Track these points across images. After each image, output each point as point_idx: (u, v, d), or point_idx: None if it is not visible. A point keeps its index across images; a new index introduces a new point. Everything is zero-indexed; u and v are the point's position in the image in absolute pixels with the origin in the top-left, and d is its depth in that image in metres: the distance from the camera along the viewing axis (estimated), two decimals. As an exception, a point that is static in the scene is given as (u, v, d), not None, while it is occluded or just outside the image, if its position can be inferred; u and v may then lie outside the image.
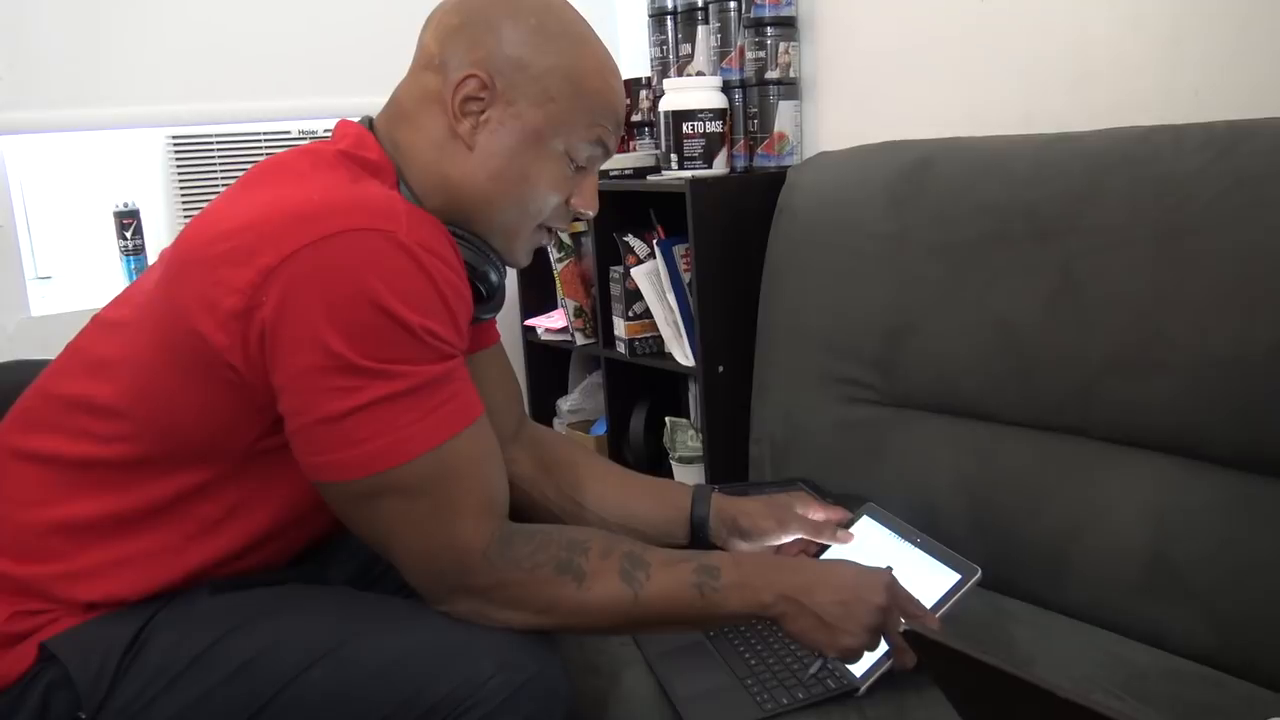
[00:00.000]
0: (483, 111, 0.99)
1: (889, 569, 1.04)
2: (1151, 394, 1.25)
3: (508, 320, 2.33)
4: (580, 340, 2.19)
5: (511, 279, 1.19)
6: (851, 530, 1.30)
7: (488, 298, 1.06)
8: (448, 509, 0.91)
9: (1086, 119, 1.45)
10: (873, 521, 1.30)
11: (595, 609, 0.96)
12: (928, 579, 1.15)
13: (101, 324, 1.04)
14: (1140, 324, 1.26)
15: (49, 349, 1.13)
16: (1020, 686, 0.61)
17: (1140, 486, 1.27)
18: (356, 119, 1.05)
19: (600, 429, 2.26)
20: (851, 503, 1.38)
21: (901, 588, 1.02)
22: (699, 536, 1.25)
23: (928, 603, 1.10)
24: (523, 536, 0.96)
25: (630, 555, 0.97)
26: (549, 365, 2.42)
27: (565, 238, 2.14)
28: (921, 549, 1.21)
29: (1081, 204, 1.33)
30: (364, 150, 1.00)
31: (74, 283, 2.11)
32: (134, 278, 2.06)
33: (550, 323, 2.27)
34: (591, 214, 1.08)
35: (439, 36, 1.01)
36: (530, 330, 2.33)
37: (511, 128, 1.00)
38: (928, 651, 0.73)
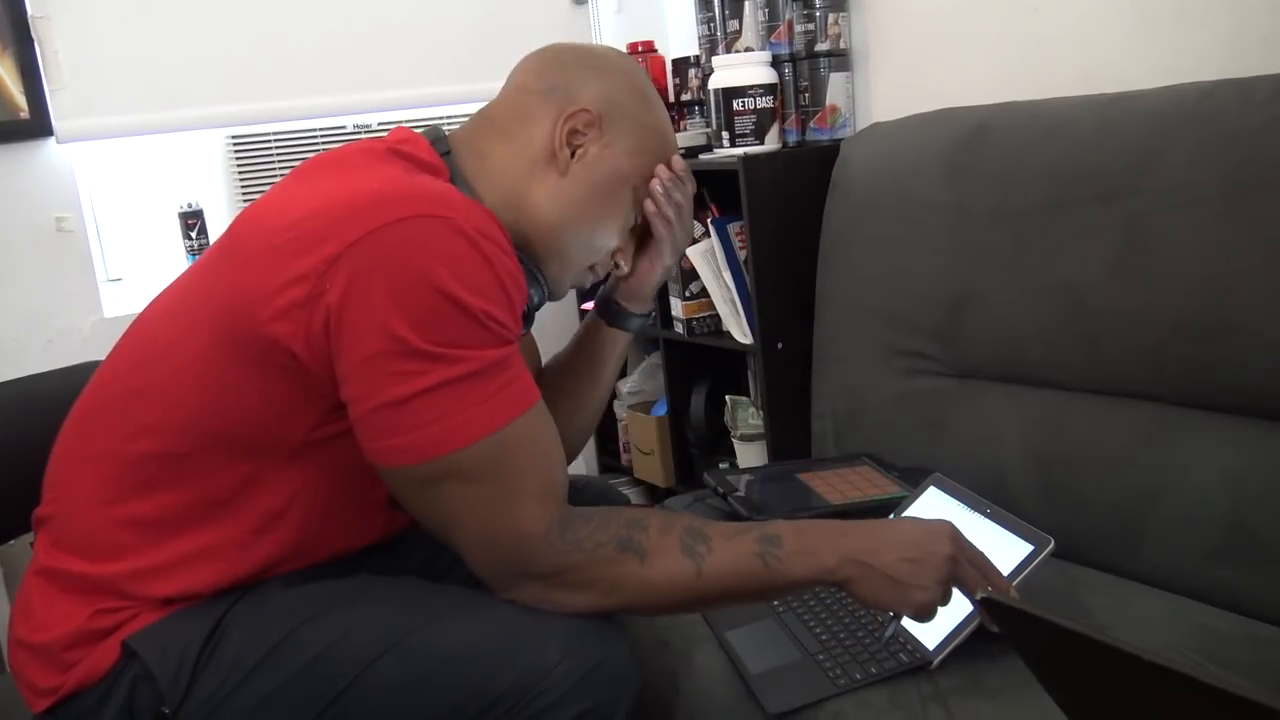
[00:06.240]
0: (583, 145, 1.05)
1: (948, 521, 1.01)
2: (1223, 355, 1.23)
3: (565, 304, 2.34)
4: (638, 322, 2.19)
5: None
6: (919, 501, 1.29)
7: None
8: (508, 493, 0.92)
9: (1147, 75, 1.42)
10: (940, 492, 1.29)
11: (660, 585, 0.95)
12: (999, 550, 1.13)
13: (149, 319, 1.05)
14: (1210, 284, 1.23)
15: (123, 349, 1.16)
16: (1105, 652, 0.60)
17: (1215, 450, 1.24)
18: (405, 112, 1.07)
19: (661, 410, 2.26)
20: (917, 475, 1.37)
21: (964, 537, 0.99)
22: (608, 311, 1.28)
23: (1000, 574, 1.08)
24: (582, 518, 0.96)
25: (690, 529, 0.96)
26: (607, 348, 2.41)
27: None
28: (992, 519, 1.20)
29: (1145, 164, 1.30)
30: (415, 150, 1.02)
31: (144, 283, 2.16)
32: (199, 276, 2.10)
33: (607, 306, 2.27)
34: (625, 270, 1.17)
35: (555, 67, 1.08)
36: (587, 314, 2.32)
37: (604, 167, 1.07)
38: (1007, 620, 0.72)
